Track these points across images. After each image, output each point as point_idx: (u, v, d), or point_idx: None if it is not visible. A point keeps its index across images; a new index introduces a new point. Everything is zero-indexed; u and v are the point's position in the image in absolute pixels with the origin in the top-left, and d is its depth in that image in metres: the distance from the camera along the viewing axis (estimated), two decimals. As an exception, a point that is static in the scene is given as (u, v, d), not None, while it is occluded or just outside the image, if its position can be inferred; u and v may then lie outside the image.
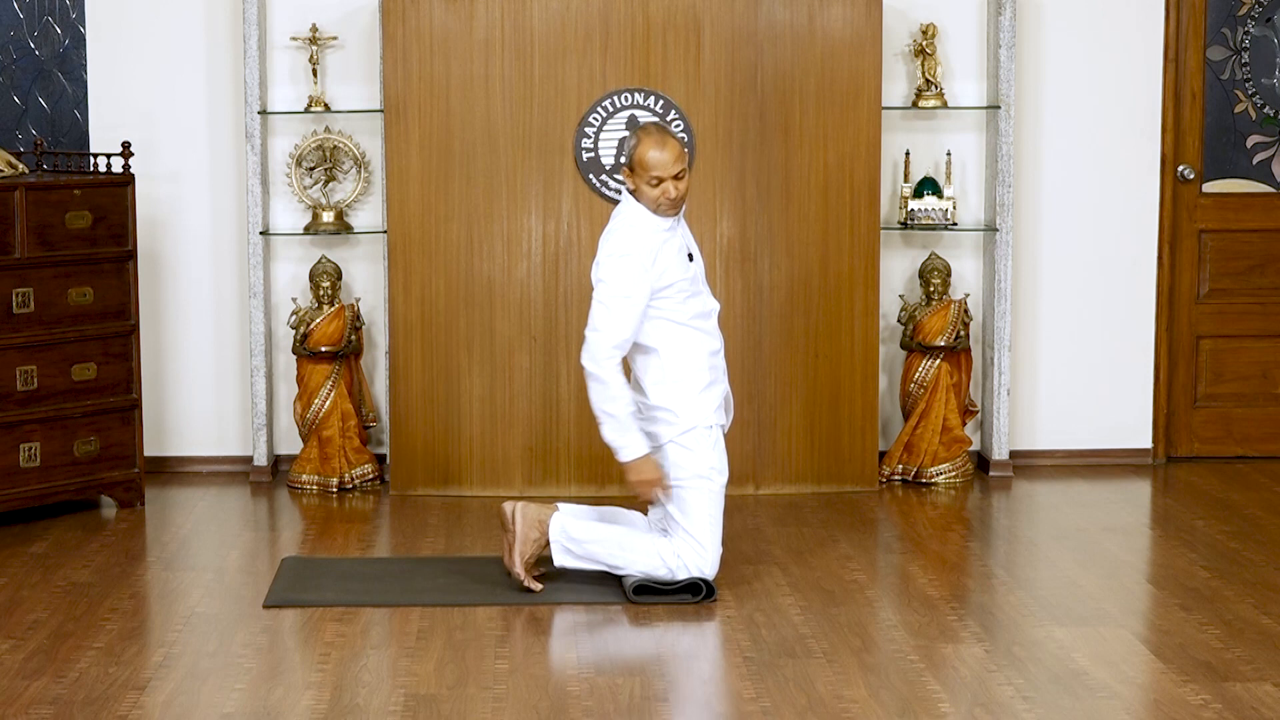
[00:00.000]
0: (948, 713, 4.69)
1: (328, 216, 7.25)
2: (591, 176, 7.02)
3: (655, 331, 5.66)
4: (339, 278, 7.27)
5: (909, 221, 7.30)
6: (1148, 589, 5.89)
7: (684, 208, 5.69)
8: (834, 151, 7.06)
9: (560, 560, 5.68)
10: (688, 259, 5.69)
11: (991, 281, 7.35)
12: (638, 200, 5.63)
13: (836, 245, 7.08)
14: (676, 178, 5.57)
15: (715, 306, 5.80)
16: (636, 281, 5.55)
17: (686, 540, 5.63)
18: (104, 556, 6.21)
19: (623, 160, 5.67)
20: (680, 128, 7.00)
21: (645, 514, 5.92)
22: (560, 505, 5.79)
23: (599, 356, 5.56)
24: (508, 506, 5.70)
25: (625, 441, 5.60)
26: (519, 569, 5.66)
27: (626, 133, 6.98)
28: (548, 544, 5.68)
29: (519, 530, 5.67)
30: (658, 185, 5.57)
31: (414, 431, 7.10)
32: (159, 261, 7.36)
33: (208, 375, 7.44)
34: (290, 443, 7.41)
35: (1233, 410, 7.69)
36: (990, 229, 7.34)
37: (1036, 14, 7.40)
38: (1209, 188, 7.62)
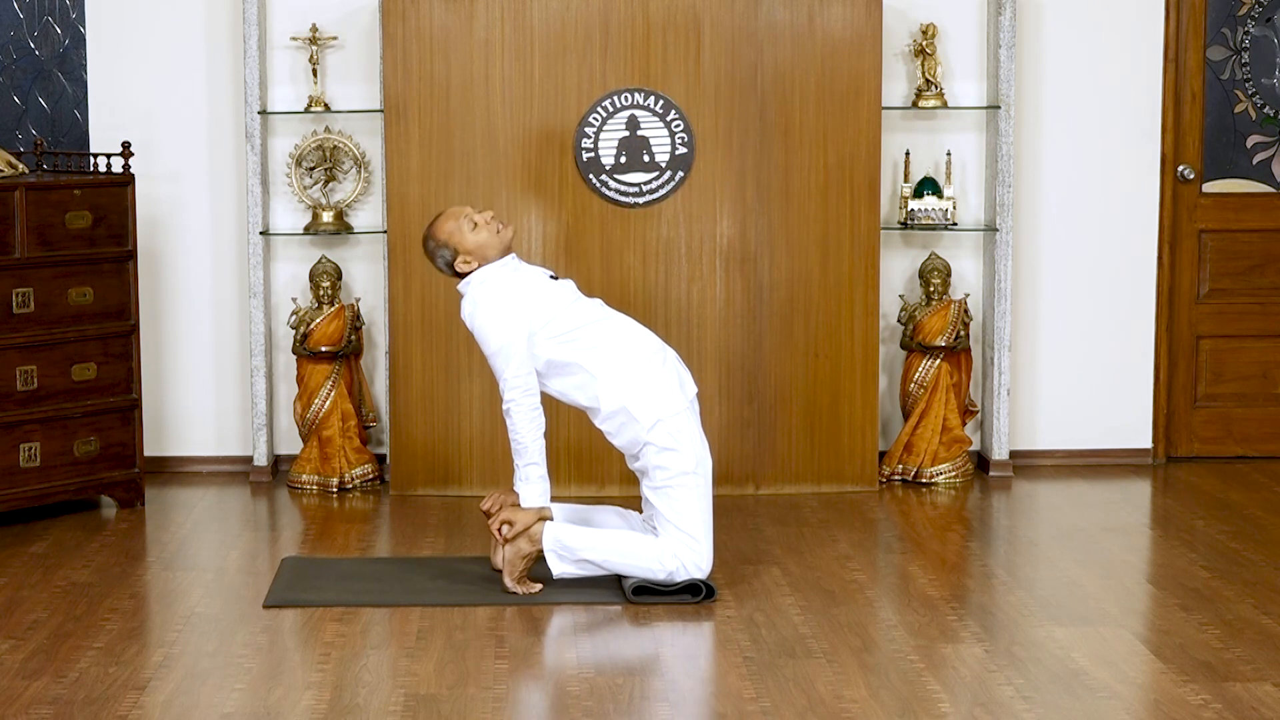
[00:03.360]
0: (948, 713, 4.69)
1: (328, 216, 7.25)
2: (591, 176, 7.02)
3: (567, 350, 5.68)
4: (339, 278, 7.27)
5: (909, 221, 7.30)
6: (1148, 589, 5.89)
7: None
8: (834, 151, 7.06)
9: (558, 570, 5.67)
10: (551, 279, 5.83)
11: (991, 281, 7.35)
12: (480, 268, 5.75)
13: (836, 245, 7.08)
14: (478, 211, 5.81)
15: (599, 300, 5.93)
16: (508, 326, 5.64)
17: (679, 537, 5.63)
18: (104, 556, 6.21)
19: (446, 260, 5.79)
20: (680, 128, 7.01)
21: (640, 511, 5.94)
22: (552, 510, 5.78)
23: (504, 406, 5.68)
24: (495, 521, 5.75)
25: (521, 487, 5.70)
26: (514, 585, 5.67)
27: (625, 132, 6.99)
28: (541, 554, 5.68)
29: (511, 543, 5.67)
30: (475, 225, 5.74)
31: (414, 431, 7.10)
32: (159, 261, 7.36)
33: (208, 375, 7.44)
34: (290, 443, 7.41)
35: (1233, 410, 7.69)
36: (990, 229, 7.34)
37: (1036, 14, 7.40)
38: (1209, 188, 7.62)
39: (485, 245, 5.75)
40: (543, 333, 5.67)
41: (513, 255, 5.83)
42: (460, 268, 5.77)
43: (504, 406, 5.68)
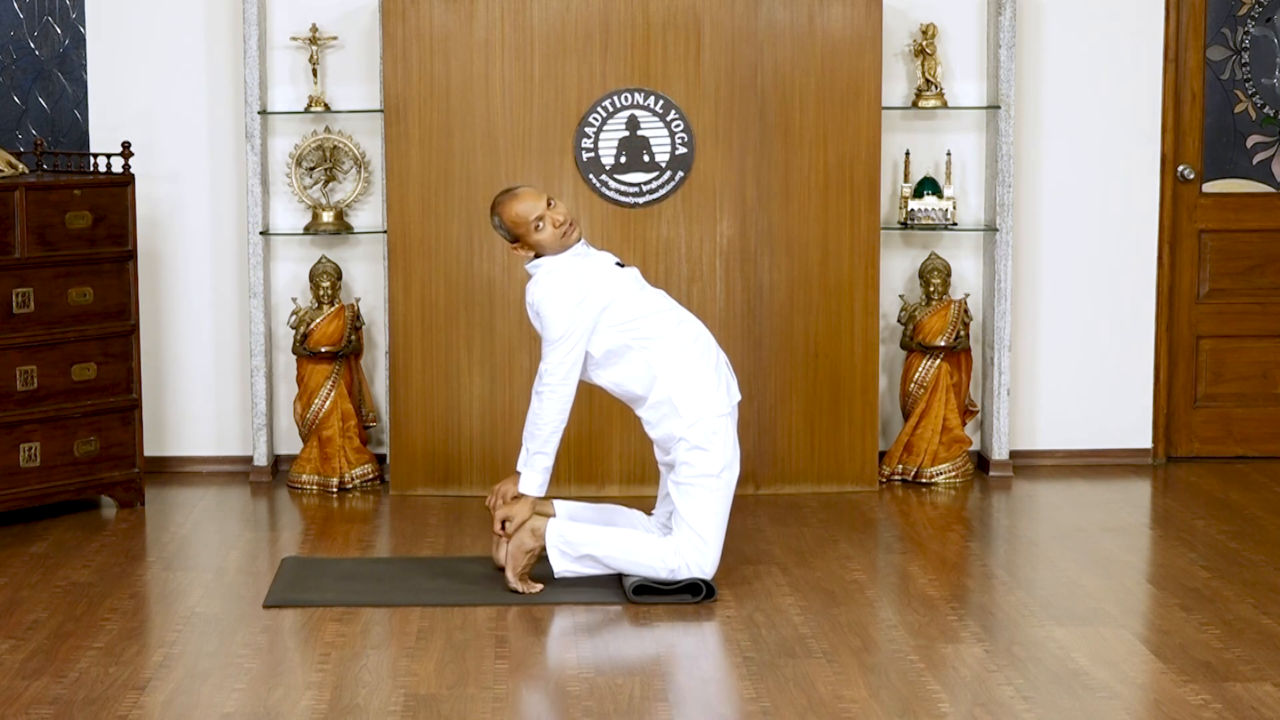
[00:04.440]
0: (948, 713, 4.69)
1: (328, 216, 7.25)
2: (591, 176, 7.02)
3: (627, 337, 5.69)
4: (339, 278, 7.27)
5: (909, 221, 7.30)
6: (1148, 589, 5.89)
7: (579, 231, 5.80)
8: (834, 151, 7.06)
9: (560, 567, 5.67)
10: (617, 266, 5.81)
11: (991, 281, 7.35)
12: (545, 256, 5.74)
13: (836, 245, 7.09)
14: (550, 207, 5.72)
15: (663, 291, 5.91)
16: (574, 317, 5.64)
17: (689, 536, 5.63)
18: (104, 556, 6.21)
19: (509, 240, 5.80)
20: (680, 127, 7.01)
21: (649, 513, 5.94)
22: (556, 507, 5.79)
23: (538, 387, 5.68)
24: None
25: (525, 472, 5.69)
26: (516, 583, 5.67)
27: (625, 132, 6.99)
28: (544, 551, 5.68)
29: (514, 539, 5.67)
30: (542, 225, 5.69)
31: (414, 431, 7.10)
32: (159, 261, 7.36)
33: (208, 375, 7.44)
34: (290, 443, 7.41)
35: (1233, 410, 7.69)
36: (990, 229, 7.34)
37: (1036, 14, 7.40)
38: (1209, 188, 7.62)
39: (545, 245, 5.73)
40: (605, 319, 5.68)
41: (581, 241, 5.82)
42: (516, 250, 5.78)
43: (536, 387, 5.68)
